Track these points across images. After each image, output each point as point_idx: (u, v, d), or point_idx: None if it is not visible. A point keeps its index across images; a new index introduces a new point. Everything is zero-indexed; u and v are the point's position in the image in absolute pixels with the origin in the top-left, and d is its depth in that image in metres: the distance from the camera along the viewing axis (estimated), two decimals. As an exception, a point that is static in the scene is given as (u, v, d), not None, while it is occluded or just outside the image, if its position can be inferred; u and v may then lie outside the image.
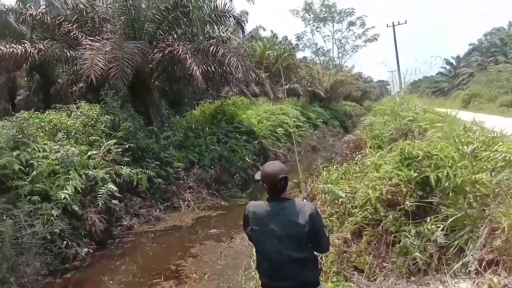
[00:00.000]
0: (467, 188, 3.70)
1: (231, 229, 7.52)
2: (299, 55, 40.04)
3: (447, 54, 63.15)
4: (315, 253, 2.49)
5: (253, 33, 23.62)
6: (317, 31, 48.35)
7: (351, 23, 47.45)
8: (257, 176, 2.51)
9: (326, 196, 4.75)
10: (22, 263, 4.92)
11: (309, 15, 47.35)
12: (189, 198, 9.49)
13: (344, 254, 3.97)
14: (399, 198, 4.03)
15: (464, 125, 5.81)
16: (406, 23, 33.58)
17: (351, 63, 46.52)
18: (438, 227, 3.66)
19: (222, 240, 7.02)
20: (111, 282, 5.65)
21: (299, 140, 18.92)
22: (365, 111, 40.22)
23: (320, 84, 28.93)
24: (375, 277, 3.70)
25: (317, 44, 49.16)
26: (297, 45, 37.99)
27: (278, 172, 2.37)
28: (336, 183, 4.98)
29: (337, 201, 4.64)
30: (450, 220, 3.61)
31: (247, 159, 12.84)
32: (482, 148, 4.16)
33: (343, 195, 4.49)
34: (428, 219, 3.77)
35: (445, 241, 3.57)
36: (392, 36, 33.08)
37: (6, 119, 7.59)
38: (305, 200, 3.07)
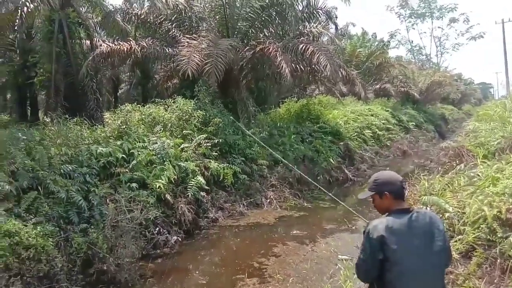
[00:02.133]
0: None
1: (314, 232, 7.32)
2: (393, 53, 37.94)
3: None
4: None
5: (343, 30, 22.89)
6: (413, 28, 45.18)
7: (453, 20, 43.39)
8: (364, 195, 2.25)
9: (428, 208, 4.27)
10: (120, 245, 5.29)
11: (405, 11, 44.44)
12: (272, 196, 9.48)
13: (450, 276, 3.52)
14: (522, 219, 3.44)
15: None
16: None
17: (451, 62, 42.52)
18: None
19: (305, 243, 6.83)
20: (196, 272, 5.83)
21: (388, 144, 17.86)
22: (464, 115, 36.61)
23: (415, 84, 26.96)
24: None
25: (412, 41, 45.98)
26: (389, 42, 35.93)
27: (397, 175, 2.14)
28: (441, 195, 4.46)
29: (441, 216, 4.15)
30: None
31: (331, 160, 12.45)
32: None
33: (450, 209, 4.00)
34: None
35: None
36: (501, 34, 29.49)
37: (112, 110, 8.33)
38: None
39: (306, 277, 5.28)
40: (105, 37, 15.29)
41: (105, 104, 18.57)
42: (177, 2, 11.90)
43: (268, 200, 9.36)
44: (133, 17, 12.79)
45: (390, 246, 2.00)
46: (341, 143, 13.96)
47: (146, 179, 6.77)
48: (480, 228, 3.61)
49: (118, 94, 21.27)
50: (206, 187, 7.97)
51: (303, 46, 11.20)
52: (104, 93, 19.36)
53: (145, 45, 11.42)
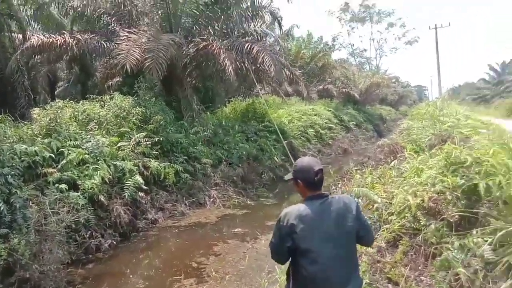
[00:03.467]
0: (522, 200, 3.28)
1: (256, 229, 7.31)
2: (335, 55, 39.35)
3: (491, 60, 59.99)
4: None
5: (288, 31, 23.32)
6: (353, 32, 47.32)
7: (391, 24, 46.09)
8: (288, 176, 2.27)
9: (360, 200, 4.41)
10: (46, 251, 4.89)
11: (346, 15, 46.41)
12: (215, 195, 9.35)
13: (378, 264, 3.64)
14: (442, 207, 3.65)
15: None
16: (449, 25, 32.12)
17: (389, 65, 45.10)
18: (486, 240, 3.26)
19: (246, 240, 6.81)
20: (132, 275, 5.57)
21: (330, 142, 18.46)
22: (401, 116, 38.91)
23: (355, 85, 28.18)
24: (411, 291, 3.36)
25: (353, 44, 48.12)
26: (333, 45, 37.29)
27: (314, 163, 2.14)
28: (371, 188, 4.63)
29: (371, 207, 4.30)
30: (499, 234, 3.19)
31: (276, 158, 12.59)
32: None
33: (379, 200, 4.15)
34: (474, 232, 3.37)
35: (492, 256, 3.16)
36: (434, 40, 31.77)
37: (42, 107, 7.74)
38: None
39: (244, 274, 5.24)
40: (40, 31, 14.22)
41: (41, 102, 17.34)
42: (116, -5, 11.39)
43: (211, 199, 9.22)
44: (69, 10, 12.04)
45: (299, 234, 2.04)
46: (285, 141, 14.16)
47: (77, 180, 6.34)
48: (405, 217, 3.78)
49: (55, 92, 19.90)
50: (145, 187, 7.67)
51: (248, 45, 11.20)
52: (39, 90, 18.06)
53: (81, 38, 10.76)
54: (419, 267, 3.60)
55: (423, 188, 3.81)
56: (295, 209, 2.12)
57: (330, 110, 21.34)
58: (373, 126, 27.37)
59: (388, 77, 37.28)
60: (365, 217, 2.29)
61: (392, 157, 7.99)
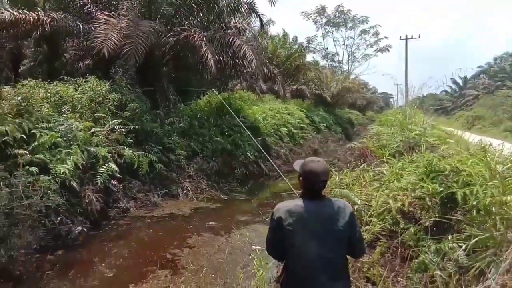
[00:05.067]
0: (494, 209, 3.51)
1: (229, 223, 7.33)
2: (310, 57, 39.89)
3: (455, 73, 63.04)
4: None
5: (265, 28, 23.39)
6: (328, 36, 48.09)
7: (364, 31, 47.21)
8: (296, 166, 2.31)
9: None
10: (14, 235, 4.68)
11: (322, 19, 47.04)
12: (188, 188, 9.29)
13: (357, 263, 3.77)
14: (420, 212, 3.84)
15: (482, 145, 5.62)
16: (419, 37, 33.36)
17: (360, 71, 46.16)
18: (460, 246, 3.47)
19: (220, 234, 6.81)
20: (102, 264, 5.43)
21: (302, 142, 18.73)
22: (368, 121, 40.07)
23: (327, 88, 28.72)
24: (388, 291, 3.52)
25: (327, 48, 48.89)
26: (308, 46, 37.77)
27: (320, 172, 2.15)
28: (350, 189, 4.78)
29: (351, 208, 4.43)
30: (473, 240, 3.41)
31: (249, 154, 12.63)
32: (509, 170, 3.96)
33: (359, 201, 4.30)
34: (450, 237, 3.58)
35: (466, 261, 3.37)
36: (403, 49, 32.91)
37: (12, 85, 7.34)
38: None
39: (219, 268, 5.26)
40: (7, 6, 13.40)
41: (3, 80, 16.38)
42: (94, -27, 10.95)
43: (185, 191, 9.16)
44: (42, -14, 11.45)
45: (285, 228, 2.11)
46: (259, 138, 14.23)
47: (49, 163, 6.10)
48: (385, 219, 3.95)
49: (19, 70, 18.84)
50: (118, 175, 7.48)
51: (230, 38, 11.14)
52: (2, 67, 17.07)
53: (56, 17, 10.29)
54: (396, 268, 3.77)
55: (403, 192, 3.99)
56: (287, 204, 2.20)
57: (303, 111, 21.64)
58: (342, 129, 28.04)
59: (359, 82, 38.25)
60: (359, 229, 2.30)
61: (362, 160, 8.23)
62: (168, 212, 7.89)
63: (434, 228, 3.87)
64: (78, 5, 11.36)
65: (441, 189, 3.75)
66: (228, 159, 11.67)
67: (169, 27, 11.69)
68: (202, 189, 9.49)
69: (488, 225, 3.54)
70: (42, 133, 6.40)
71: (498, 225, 3.54)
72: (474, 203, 3.52)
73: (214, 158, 11.02)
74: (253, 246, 6.01)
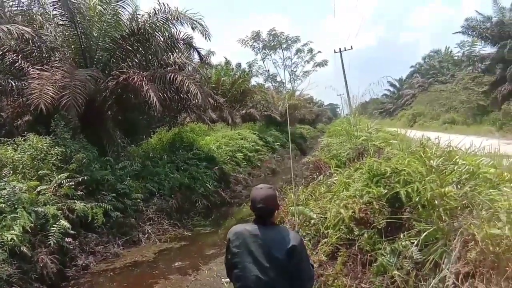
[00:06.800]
0: (436, 202, 3.77)
1: (196, 260, 7.20)
2: (254, 80, 40.87)
3: (392, 76, 67.32)
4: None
5: (206, 59, 23.79)
6: (267, 58, 49.90)
7: (299, 50, 49.54)
8: None
9: (297, 218, 4.65)
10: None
11: (258, 44, 48.88)
12: (150, 231, 9.02)
13: (321, 278, 3.86)
14: (371, 216, 4.03)
15: (421, 142, 6.03)
16: (352, 48, 35.46)
17: (303, 87, 48.05)
18: (412, 243, 3.67)
19: (188, 273, 6.68)
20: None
21: (259, 164, 18.93)
22: (319, 133, 41.39)
23: (275, 108, 29.45)
24: (354, 299, 3.62)
25: (269, 70, 50.54)
26: (251, 71, 38.73)
27: (259, 200, 2.32)
28: (306, 204, 4.92)
29: (308, 223, 4.56)
30: (423, 235, 3.62)
31: (208, 185, 12.56)
32: (445, 163, 4.29)
33: (314, 216, 4.43)
34: (402, 235, 3.77)
35: (420, 256, 3.57)
36: (339, 61, 34.74)
37: None
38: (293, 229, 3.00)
39: (192, 308, 5.14)
40: None
41: None
42: (22, 31, 10.61)
43: (146, 235, 8.87)
44: (-33, 49, 10.93)
45: (232, 249, 2.32)
46: (216, 167, 14.22)
47: (-6, 233, 5.71)
48: (340, 229, 4.09)
49: None
50: (72, 231, 7.11)
51: (171, 75, 11.21)
52: None
53: (-17, 78, 9.85)
54: (358, 275, 3.89)
55: (353, 200, 4.18)
56: (238, 227, 2.40)
57: (255, 133, 21.98)
58: (296, 145, 28.68)
59: (304, 99, 39.61)
60: (308, 261, 2.38)
61: (317, 173, 8.48)
62: (131, 261, 7.59)
63: (388, 230, 4.08)
64: (8, 62, 10.94)
65: (385, 191, 3.98)
66: (187, 193, 11.52)
67: (107, 72, 11.55)
68: (164, 230, 9.26)
69: (434, 218, 3.78)
70: (-19, 202, 6.00)
71: (443, 216, 3.80)
72: (417, 199, 3.76)
73: (172, 196, 10.84)
74: (223, 279, 5.93)
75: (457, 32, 28.69)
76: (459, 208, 3.57)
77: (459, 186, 3.75)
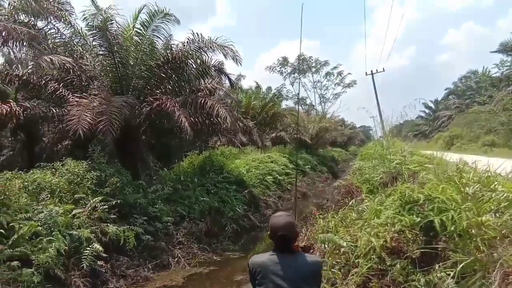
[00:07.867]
0: (473, 231, 3.57)
1: (225, 287, 7.12)
2: (284, 104, 41.19)
3: (426, 98, 65.84)
4: None
5: (236, 83, 24.26)
6: (296, 82, 50.42)
7: (328, 73, 49.74)
8: None
9: (326, 246, 4.52)
10: None
11: (286, 69, 49.58)
12: (179, 255, 9.04)
13: (352, 310, 3.70)
14: (404, 245, 3.85)
15: (457, 166, 5.77)
16: (384, 71, 35.04)
17: (334, 109, 48.09)
18: (448, 274, 3.47)
19: (217, 300, 6.59)
20: None
21: (289, 188, 18.74)
22: (351, 156, 40.66)
23: (306, 131, 29.34)
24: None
25: (298, 94, 50.90)
26: (281, 94, 39.10)
27: (279, 227, 2.33)
28: (335, 231, 4.78)
29: (338, 251, 4.42)
30: (460, 266, 3.42)
31: (237, 209, 12.53)
32: (482, 189, 4.08)
33: (344, 244, 4.29)
34: (437, 266, 3.58)
35: (457, 289, 3.36)
36: (371, 83, 34.38)
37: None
38: (313, 255, 2.95)
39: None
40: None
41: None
42: (64, 62, 11.32)
43: (176, 259, 8.89)
44: (13, 79, 11.77)
45: (258, 280, 2.32)
46: (246, 191, 14.21)
47: (30, 255, 5.92)
48: (371, 259, 3.93)
49: (-1, 161, 18.70)
50: (104, 255, 7.27)
51: (202, 100, 11.51)
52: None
53: (28, 106, 10.51)
54: (391, 307, 3.70)
55: (384, 228, 4.02)
56: (258, 257, 2.43)
57: (285, 156, 21.89)
58: (327, 168, 28.30)
59: (335, 121, 39.30)
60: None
61: (349, 197, 8.28)
62: (161, 285, 7.61)
63: (422, 260, 3.87)
64: (50, 91, 11.63)
65: (419, 219, 3.81)
66: (217, 217, 11.53)
67: (141, 98, 12.01)
68: (194, 254, 9.25)
69: (471, 248, 3.57)
70: (21, 225, 6.26)
71: (481, 247, 3.58)
72: (453, 228, 3.57)
73: (202, 219, 10.88)
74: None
75: (494, 51, 27.75)
76: (498, 238, 3.36)
77: (497, 215, 3.53)
